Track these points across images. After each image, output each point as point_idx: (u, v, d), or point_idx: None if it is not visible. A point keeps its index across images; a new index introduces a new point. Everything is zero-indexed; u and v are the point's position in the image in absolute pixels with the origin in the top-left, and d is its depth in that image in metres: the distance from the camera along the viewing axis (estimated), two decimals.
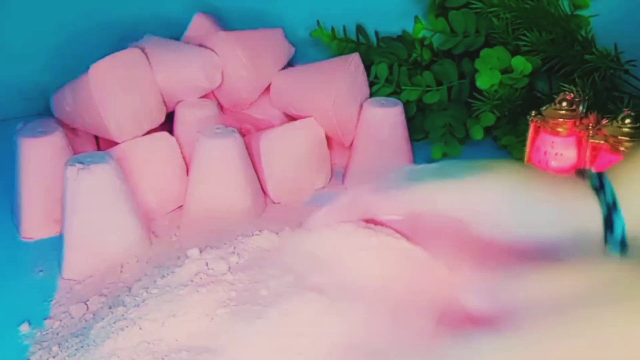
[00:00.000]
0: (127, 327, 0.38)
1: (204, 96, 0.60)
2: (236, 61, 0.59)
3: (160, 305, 0.39)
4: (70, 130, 0.57)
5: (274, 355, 0.36)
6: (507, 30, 0.64)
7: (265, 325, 0.37)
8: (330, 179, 0.61)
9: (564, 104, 0.56)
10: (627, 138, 0.52)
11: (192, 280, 0.40)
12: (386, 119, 0.58)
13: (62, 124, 0.56)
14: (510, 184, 0.38)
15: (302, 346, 0.36)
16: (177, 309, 0.38)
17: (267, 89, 0.62)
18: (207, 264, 0.41)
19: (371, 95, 0.63)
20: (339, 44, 0.70)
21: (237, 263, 0.42)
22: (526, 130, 0.58)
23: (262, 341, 0.36)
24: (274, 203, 0.58)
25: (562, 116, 0.55)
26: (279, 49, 0.63)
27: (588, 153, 0.54)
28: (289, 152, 0.57)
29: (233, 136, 0.53)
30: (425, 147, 0.66)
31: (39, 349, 0.42)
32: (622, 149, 0.52)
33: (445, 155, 0.65)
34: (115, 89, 0.54)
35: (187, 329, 0.37)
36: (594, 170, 0.39)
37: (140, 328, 0.38)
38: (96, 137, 0.60)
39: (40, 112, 0.71)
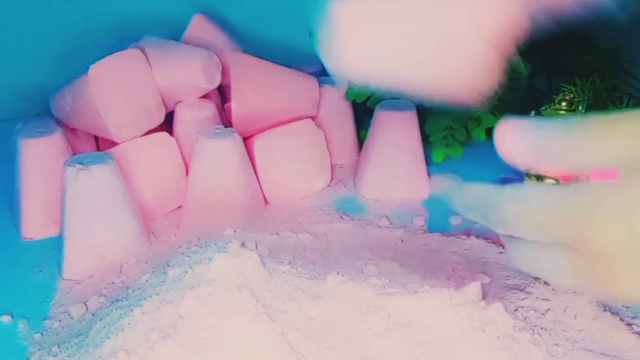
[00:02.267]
0: (128, 324, 0.38)
1: (204, 96, 0.60)
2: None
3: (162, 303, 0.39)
4: (70, 131, 0.57)
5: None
6: None
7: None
8: (330, 181, 0.61)
9: (564, 104, 0.55)
10: None
11: (194, 282, 0.40)
12: (403, 123, 0.58)
13: (61, 124, 0.56)
14: None
15: None
16: (180, 307, 0.38)
17: None
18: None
19: (368, 102, 0.63)
20: None
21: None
22: None
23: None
24: (272, 204, 0.58)
25: (561, 116, 0.55)
26: None
27: None
28: (283, 154, 0.57)
29: (232, 136, 0.53)
30: (425, 150, 0.66)
31: (39, 349, 0.42)
32: None
33: (447, 158, 0.65)
34: (115, 89, 0.54)
35: (191, 328, 0.38)
36: None
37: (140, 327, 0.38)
38: (96, 138, 0.60)
39: (40, 112, 0.72)
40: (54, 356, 0.40)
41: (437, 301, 0.41)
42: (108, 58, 0.54)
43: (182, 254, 0.45)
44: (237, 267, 0.40)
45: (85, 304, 0.46)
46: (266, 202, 0.58)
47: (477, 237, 0.53)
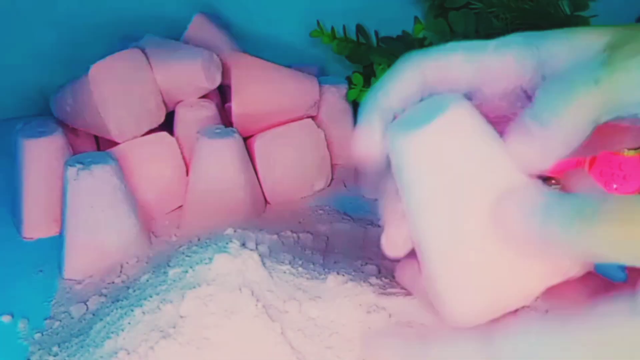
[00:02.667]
0: (128, 324, 0.38)
1: (204, 96, 0.60)
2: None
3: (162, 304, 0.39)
4: (70, 131, 0.57)
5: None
6: (507, 31, 0.64)
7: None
8: (330, 181, 0.61)
9: None
10: None
11: (195, 281, 0.40)
12: None
13: (62, 124, 0.56)
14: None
15: None
16: (180, 307, 0.38)
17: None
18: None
19: None
20: (339, 44, 0.70)
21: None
22: None
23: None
24: (272, 204, 0.58)
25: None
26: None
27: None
28: (284, 154, 0.57)
29: (232, 136, 0.53)
30: None
31: (39, 349, 0.42)
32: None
33: None
34: (116, 89, 0.54)
35: (191, 328, 0.38)
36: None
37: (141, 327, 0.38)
38: (96, 137, 0.60)
39: (40, 112, 0.71)
40: (54, 356, 0.40)
41: None
42: (108, 58, 0.54)
43: (183, 253, 0.45)
44: (238, 267, 0.40)
45: (86, 304, 0.46)
46: (266, 202, 0.58)
47: None
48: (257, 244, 0.45)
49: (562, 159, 0.27)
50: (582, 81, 0.26)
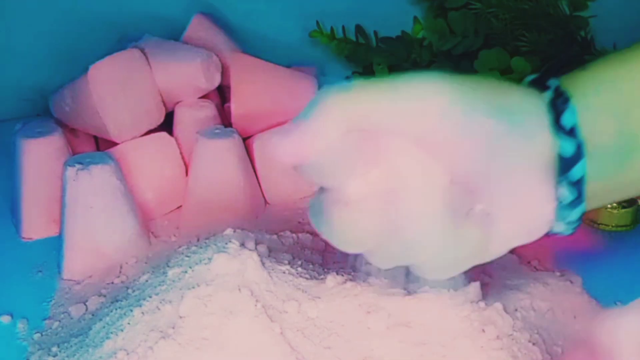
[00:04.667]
0: (128, 324, 0.38)
1: (204, 96, 0.60)
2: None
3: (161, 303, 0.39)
4: (70, 131, 0.57)
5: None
6: (506, 31, 0.64)
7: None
8: None
9: None
10: None
11: (194, 281, 0.40)
12: None
13: (61, 124, 0.56)
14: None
15: None
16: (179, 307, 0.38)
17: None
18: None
19: None
20: (338, 44, 0.70)
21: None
22: None
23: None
24: (271, 204, 0.58)
25: None
26: None
27: None
28: None
29: (232, 136, 0.53)
30: None
31: (38, 349, 0.42)
32: None
33: None
34: (115, 89, 0.54)
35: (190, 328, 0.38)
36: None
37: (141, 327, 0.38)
38: (95, 138, 0.60)
39: (40, 112, 0.71)
40: (54, 356, 0.40)
41: (437, 301, 0.41)
42: (108, 58, 0.54)
43: (182, 254, 0.45)
44: (237, 267, 0.40)
45: (85, 304, 0.46)
46: (265, 202, 0.58)
47: None
48: (256, 244, 0.45)
49: None
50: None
